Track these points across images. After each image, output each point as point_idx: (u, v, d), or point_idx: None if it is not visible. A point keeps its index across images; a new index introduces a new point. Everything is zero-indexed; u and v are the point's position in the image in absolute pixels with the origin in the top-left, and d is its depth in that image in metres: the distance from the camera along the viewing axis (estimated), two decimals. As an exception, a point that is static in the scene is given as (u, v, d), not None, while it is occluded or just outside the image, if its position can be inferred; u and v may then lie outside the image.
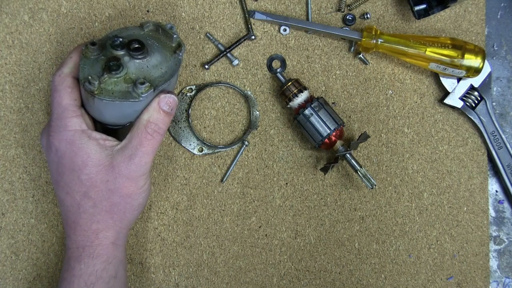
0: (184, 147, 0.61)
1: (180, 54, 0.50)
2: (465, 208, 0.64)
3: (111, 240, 0.50)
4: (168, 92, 0.49)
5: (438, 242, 0.63)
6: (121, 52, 0.47)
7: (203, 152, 0.62)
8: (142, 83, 0.46)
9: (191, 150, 0.61)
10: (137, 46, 0.47)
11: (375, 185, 0.59)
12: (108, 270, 0.49)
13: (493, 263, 0.65)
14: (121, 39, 0.48)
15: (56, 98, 0.48)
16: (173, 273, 0.61)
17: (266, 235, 0.62)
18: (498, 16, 0.66)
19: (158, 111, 0.49)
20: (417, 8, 0.60)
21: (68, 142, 0.47)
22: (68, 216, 0.50)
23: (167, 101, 0.49)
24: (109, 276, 0.50)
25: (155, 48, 0.49)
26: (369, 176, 0.58)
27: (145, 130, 0.48)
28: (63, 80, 0.48)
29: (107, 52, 0.48)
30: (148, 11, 0.62)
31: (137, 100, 0.47)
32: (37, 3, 0.61)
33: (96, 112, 0.49)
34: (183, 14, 0.62)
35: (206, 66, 0.61)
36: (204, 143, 0.61)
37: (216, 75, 0.62)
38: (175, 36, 0.50)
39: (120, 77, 0.47)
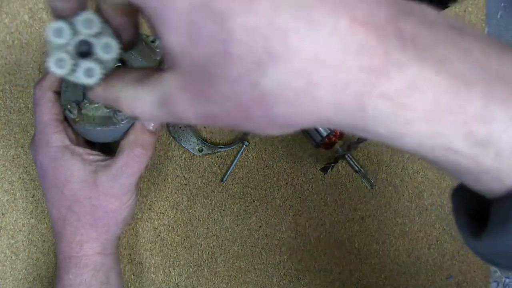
0: (184, 147, 0.61)
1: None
2: (465, 208, 0.64)
3: (96, 250, 0.49)
4: None
5: (438, 242, 0.63)
6: None
7: (203, 152, 0.62)
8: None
9: (191, 150, 0.61)
10: (118, 65, 0.44)
11: (375, 185, 0.59)
12: (97, 277, 0.49)
13: (493, 263, 0.65)
14: None
15: (38, 113, 0.47)
16: (173, 273, 0.61)
17: (266, 235, 0.62)
18: (498, 16, 0.66)
19: (143, 132, 0.48)
20: (417, 8, 0.60)
21: (51, 158, 0.47)
22: (55, 227, 0.50)
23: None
24: (99, 282, 0.49)
25: (138, 63, 0.48)
26: (369, 176, 0.58)
27: (131, 152, 0.47)
28: (43, 95, 0.47)
29: None
30: (148, 11, 0.62)
31: (118, 126, 0.46)
32: (37, 3, 0.61)
33: (80, 132, 0.50)
34: (183, 14, 0.62)
35: (206, 66, 0.61)
36: (204, 143, 0.61)
37: (216, 75, 0.62)
38: (157, 50, 0.48)
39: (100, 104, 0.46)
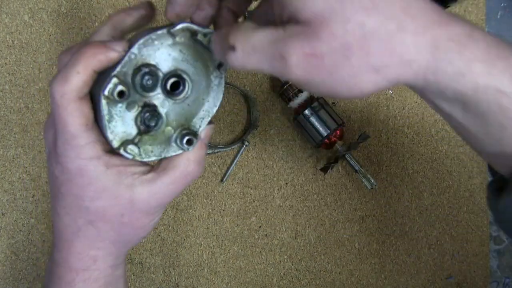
0: (184, 147, 0.61)
1: (223, 73, 0.39)
2: (465, 208, 0.64)
3: (110, 264, 0.43)
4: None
5: (438, 242, 0.63)
6: (155, 93, 0.38)
7: (203, 152, 0.62)
8: (190, 142, 0.39)
9: (191, 150, 0.61)
10: (174, 81, 0.37)
11: (375, 185, 0.59)
12: None
13: (493, 263, 0.65)
14: (151, 75, 0.37)
15: (61, 123, 0.37)
16: (173, 273, 0.61)
17: (266, 235, 0.62)
18: (498, 16, 0.66)
19: (200, 147, 0.41)
20: (417, 8, 0.60)
21: (80, 169, 0.38)
22: (63, 232, 0.41)
23: (207, 133, 0.41)
24: None
25: (195, 69, 0.39)
26: (369, 176, 0.58)
27: (185, 169, 0.40)
28: (67, 104, 0.36)
29: (136, 95, 0.37)
30: (148, 11, 0.62)
31: (181, 151, 0.40)
32: (37, 3, 0.61)
33: None
34: (183, 14, 0.62)
35: (206, 66, 0.61)
36: (204, 143, 0.61)
37: (216, 75, 0.62)
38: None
39: (158, 131, 0.39)
